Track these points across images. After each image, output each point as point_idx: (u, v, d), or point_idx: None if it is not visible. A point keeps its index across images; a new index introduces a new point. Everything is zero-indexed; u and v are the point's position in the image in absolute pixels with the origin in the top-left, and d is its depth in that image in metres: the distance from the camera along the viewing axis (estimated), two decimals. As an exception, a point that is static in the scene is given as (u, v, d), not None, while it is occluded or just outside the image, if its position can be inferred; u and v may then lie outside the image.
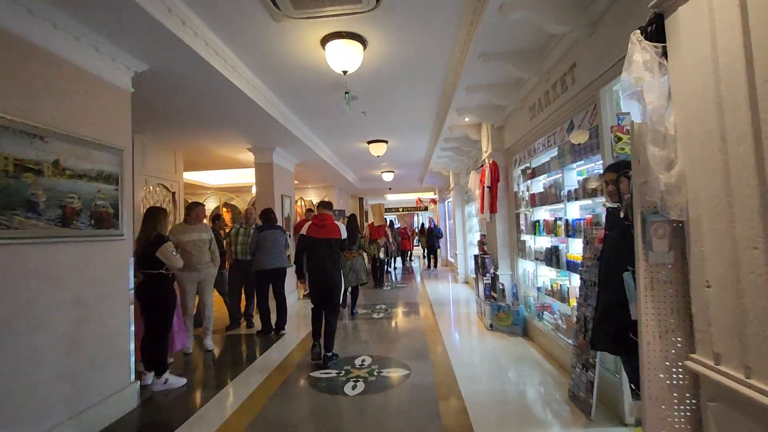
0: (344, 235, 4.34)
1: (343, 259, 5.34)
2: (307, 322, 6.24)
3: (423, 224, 18.52)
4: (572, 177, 3.70)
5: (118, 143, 3.25)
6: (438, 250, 13.43)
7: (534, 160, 4.52)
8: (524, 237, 4.97)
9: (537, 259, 4.49)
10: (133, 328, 3.34)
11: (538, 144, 4.24)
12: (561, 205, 3.88)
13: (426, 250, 13.36)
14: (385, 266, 10.87)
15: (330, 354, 4.13)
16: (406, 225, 14.21)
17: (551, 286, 4.06)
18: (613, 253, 2.05)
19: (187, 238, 4.74)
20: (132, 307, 3.34)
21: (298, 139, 6.67)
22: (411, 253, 15.65)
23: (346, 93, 4.72)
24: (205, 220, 5.14)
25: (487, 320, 5.20)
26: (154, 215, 3.88)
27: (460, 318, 6.18)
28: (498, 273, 5.29)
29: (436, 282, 10.16)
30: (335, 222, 4.35)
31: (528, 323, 4.75)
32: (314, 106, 5.64)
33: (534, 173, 4.53)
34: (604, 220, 2.60)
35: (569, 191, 3.58)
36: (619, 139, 2.72)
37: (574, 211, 3.66)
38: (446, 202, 13.85)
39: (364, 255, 7.08)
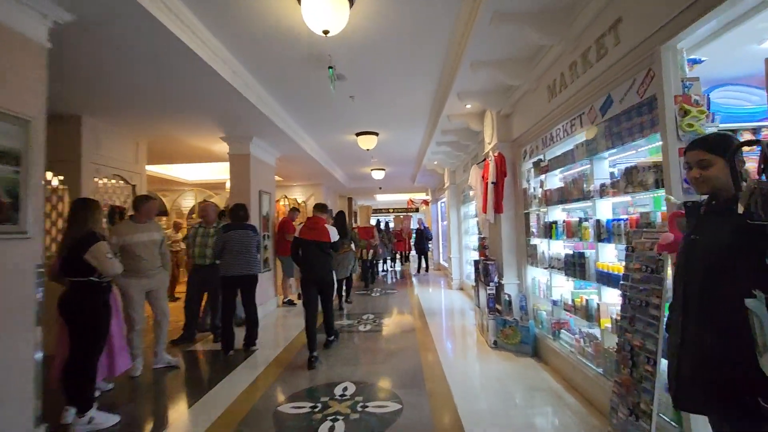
0: (334, 238, 4.57)
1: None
2: (285, 335, 5.51)
3: (379, 221, 17.87)
4: (603, 168, 3.02)
5: (22, 111, 2.46)
6: (428, 253, 12.69)
7: (550, 150, 3.85)
8: (535, 241, 4.30)
9: (552, 267, 3.81)
10: (40, 354, 2.55)
11: (557, 131, 3.56)
12: (587, 203, 3.20)
13: (416, 253, 12.62)
14: (375, 268, 10.19)
15: (331, 338, 4.86)
16: (402, 228, 13.33)
17: (573, 301, 3.37)
18: (716, 269, 1.36)
19: (136, 239, 3.96)
20: (39, 327, 2.55)
21: (279, 128, 5.92)
22: (408, 254, 14.80)
23: (330, 68, 3.99)
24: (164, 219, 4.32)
25: (491, 336, 4.50)
26: (84, 208, 3.09)
27: (458, 332, 5.48)
28: (503, 282, 4.60)
29: (428, 288, 9.46)
30: (326, 226, 4.60)
31: (540, 342, 4.06)
32: (294, 86, 4.88)
33: (548, 166, 3.86)
34: (668, 219, 1.92)
35: (602, 185, 2.90)
36: (686, 112, 2.04)
37: (605, 209, 2.99)
38: (439, 202, 13.18)
39: (353, 247, 7.35)
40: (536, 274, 4.39)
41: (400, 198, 21.44)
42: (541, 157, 4.06)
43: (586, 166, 3.23)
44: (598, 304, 2.93)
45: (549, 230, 3.79)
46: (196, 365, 4.44)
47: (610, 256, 2.96)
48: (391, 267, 13.90)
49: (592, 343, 3.10)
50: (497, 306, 4.62)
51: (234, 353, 4.59)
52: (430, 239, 12.23)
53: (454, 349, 4.68)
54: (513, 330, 4.31)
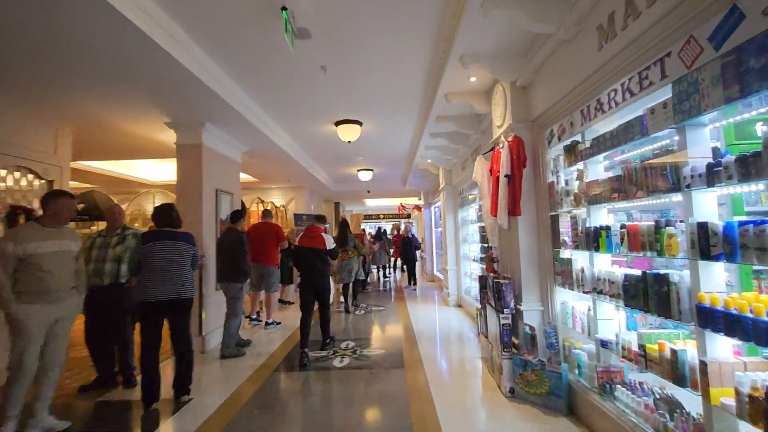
0: (330, 246, 4.88)
1: (338, 259, 6.67)
2: (242, 369, 4.25)
3: (379, 228, 16.69)
4: (702, 139, 1.90)
5: None
6: (416, 264, 11.17)
7: (592, 126, 2.73)
8: (568, 253, 3.16)
9: (599, 292, 2.67)
10: None
11: (611, 94, 2.44)
12: (668, 198, 2.08)
13: (402, 263, 11.27)
14: (363, 279, 8.98)
15: (327, 341, 5.08)
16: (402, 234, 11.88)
17: (642, 347, 2.22)
18: None
19: (42, 248, 2.82)
20: None
21: (238, 112, 4.76)
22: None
23: (284, 9, 2.83)
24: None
25: (506, 381, 3.34)
26: None
27: (460, 368, 4.30)
28: (522, 307, 3.45)
29: (421, 304, 8.26)
30: (323, 234, 4.89)
31: (578, 396, 2.90)
32: (249, 56, 3.71)
33: (590, 150, 2.73)
34: None
35: (711, 166, 1.77)
36: None
37: (704, 206, 1.86)
38: (433, 207, 12.05)
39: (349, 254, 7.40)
40: (567, 299, 3.24)
41: (391, 203, 20.33)
42: (577, 138, 2.94)
43: (665, 141, 2.11)
44: (703, 363, 1.78)
45: (595, 239, 2.65)
46: (96, 429, 3.19)
47: (716, 283, 1.83)
48: (390, 274, 12.98)
49: (686, 419, 1.95)
50: (514, 340, 3.46)
51: (158, 407, 3.35)
52: (419, 248, 10.97)
53: (456, 398, 3.49)
54: (538, 375, 3.14)
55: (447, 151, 6.94)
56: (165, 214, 3.53)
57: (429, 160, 8.15)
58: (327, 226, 5.36)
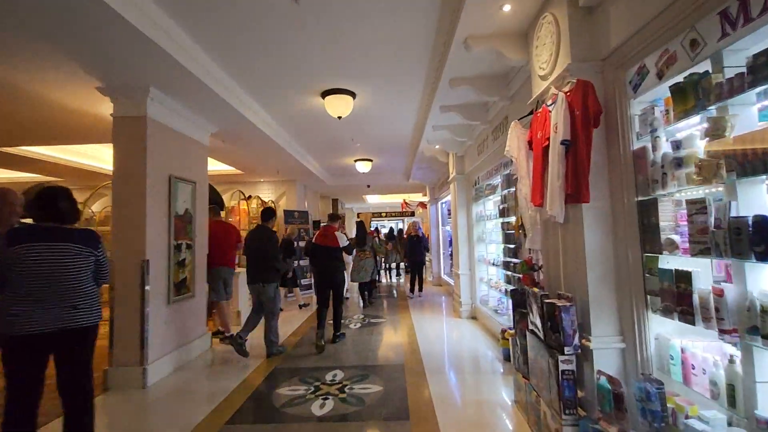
0: (342, 244, 5.22)
1: (356, 258, 7.34)
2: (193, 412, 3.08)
3: (392, 228, 15.47)
4: None
5: None
6: (424, 268, 9.48)
7: (743, 38, 1.52)
8: (677, 262, 1.95)
9: (759, 333, 1.46)
10: None
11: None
12: None
13: (408, 267, 9.40)
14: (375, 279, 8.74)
15: (338, 333, 5.28)
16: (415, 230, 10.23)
17: None
18: None
19: None
20: None
21: (190, 73, 3.61)
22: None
23: None
24: None
25: (569, 460, 2.13)
26: None
27: (489, 421, 3.08)
28: (590, 344, 2.23)
29: (427, 315, 7.06)
30: (336, 233, 5.21)
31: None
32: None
33: (742, 81, 1.52)
34: None
35: None
36: None
37: None
38: (440, 203, 10.84)
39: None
40: (668, 332, 2.03)
41: (393, 201, 19.13)
42: (703, 68, 1.73)
43: None
44: None
45: (757, 239, 1.44)
46: None
47: None
48: (400, 274, 12.47)
49: None
50: (579, 392, 2.25)
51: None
52: (428, 249, 9.54)
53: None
54: (626, 459, 1.93)
55: (460, 131, 5.73)
56: (46, 202, 2.34)
57: (437, 146, 6.94)
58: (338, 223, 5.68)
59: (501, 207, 4.91)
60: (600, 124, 2.23)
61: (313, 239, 5.33)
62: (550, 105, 2.56)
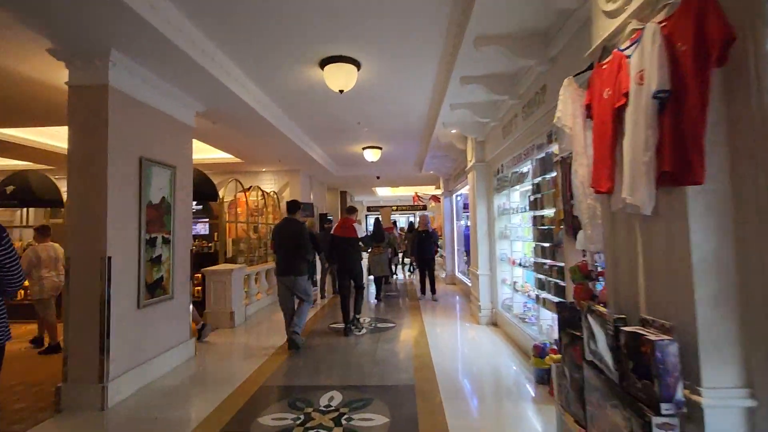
0: (360, 235, 5.80)
1: (371, 253, 7.57)
2: None
3: (411, 222, 14.70)
4: None
5: None
6: (435, 265, 8.46)
7: None
8: None
9: None
10: None
11: None
12: None
13: (416, 264, 8.41)
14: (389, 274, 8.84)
15: (357, 315, 5.59)
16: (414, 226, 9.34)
17: None
18: None
19: None
20: None
21: (169, 41, 2.97)
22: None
23: None
24: None
25: None
26: None
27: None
28: (701, 400, 1.46)
29: (441, 320, 6.33)
30: (353, 225, 5.61)
31: None
32: None
33: None
34: None
35: None
36: None
37: None
38: (455, 195, 10.05)
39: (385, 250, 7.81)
40: None
41: (405, 194, 18.38)
42: None
43: None
44: None
45: None
46: None
47: None
48: (414, 269, 11.68)
49: None
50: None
51: None
52: (438, 245, 8.51)
53: None
54: None
55: (482, 109, 4.95)
56: None
57: (454, 130, 6.16)
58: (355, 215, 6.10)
59: (532, 198, 4.13)
60: (726, 62, 1.44)
61: (333, 232, 5.65)
62: (629, 48, 1.79)
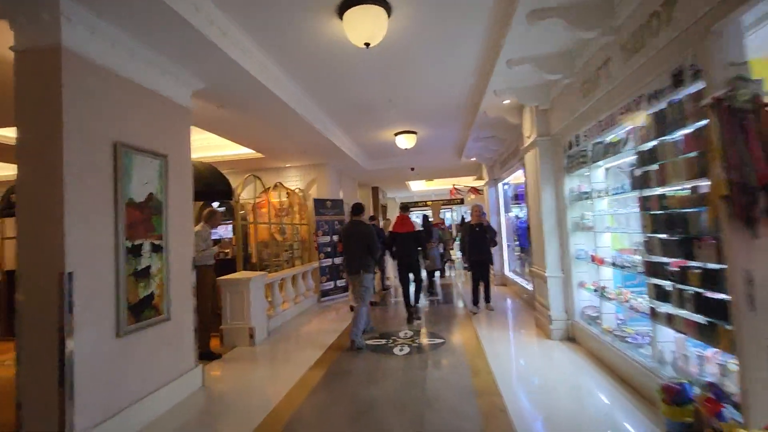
0: (419, 228, 6.67)
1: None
2: None
3: (463, 217, 13.49)
4: None
5: None
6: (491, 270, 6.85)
7: None
8: None
9: None
10: None
11: None
12: None
13: (470, 265, 6.28)
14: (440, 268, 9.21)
15: (415, 304, 5.91)
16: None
17: None
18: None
19: None
20: None
21: None
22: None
23: None
24: None
25: None
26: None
27: None
28: None
29: (499, 332, 5.20)
30: (411, 221, 6.10)
31: None
32: None
33: None
34: None
35: None
36: None
37: None
38: (501, 184, 8.80)
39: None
40: None
41: (440, 188, 17.18)
42: None
43: None
44: None
45: None
46: None
47: None
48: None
49: None
50: None
51: None
52: (496, 243, 6.45)
53: None
54: None
55: (553, 62, 3.79)
56: None
57: (507, 101, 5.01)
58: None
59: (638, 172, 2.94)
60: None
61: (392, 229, 6.03)
62: None
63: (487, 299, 6.26)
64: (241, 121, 5.26)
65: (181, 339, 3.52)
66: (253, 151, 7.55)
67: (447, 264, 11.00)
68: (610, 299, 3.76)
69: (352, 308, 6.27)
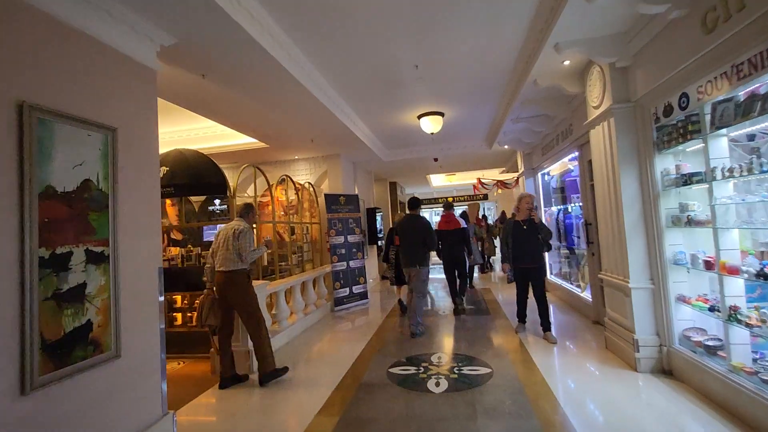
0: (464, 225, 6.13)
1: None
2: None
3: (503, 212, 12.33)
4: None
5: None
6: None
7: None
8: None
9: None
10: None
11: None
12: None
13: (516, 275, 4.71)
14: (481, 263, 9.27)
15: (462, 296, 6.16)
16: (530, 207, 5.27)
17: None
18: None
19: None
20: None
21: None
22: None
23: None
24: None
25: None
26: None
27: None
28: None
29: (563, 363, 4.09)
30: (456, 218, 6.13)
31: None
32: None
33: None
34: None
35: None
36: None
37: None
38: (540, 174, 7.62)
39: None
40: None
41: (462, 183, 16.00)
42: None
43: None
44: None
45: None
46: None
47: None
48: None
49: None
50: None
51: None
52: (549, 246, 4.81)
53: None
54: None
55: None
56: None
57: (566, 61, 3.90)
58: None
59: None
60: None
61: (437, 227, 5.98)
62: None
63: (547, 325, 4.50)
64: (231, 97, 4.29)
65: (141, 381, 2.55)
66: (256, 141, 6.61)
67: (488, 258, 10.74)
68: (735, 322, 2.62)
69: (400, 302, 6.39)
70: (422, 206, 5.80)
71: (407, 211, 5.25)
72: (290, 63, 3.71)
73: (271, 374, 3.70)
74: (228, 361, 3.74)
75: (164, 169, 4.50)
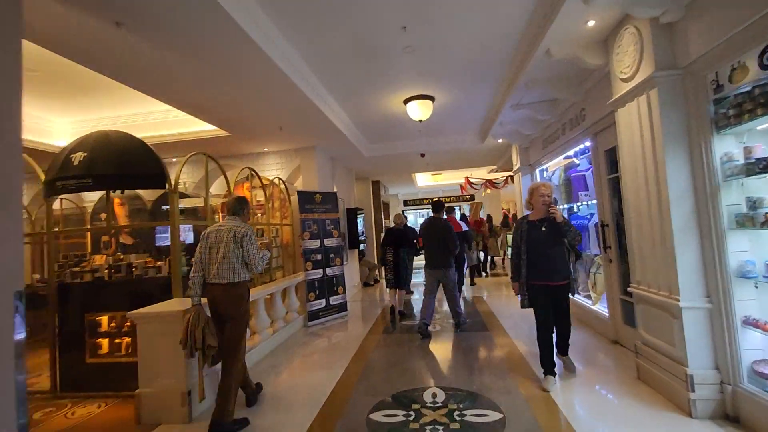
0: (465, 228, 6.52)
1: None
2: None
3: (506, 212, 11.66)
4: None
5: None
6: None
7: None
8: None
9: None
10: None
11: None
12: None
13: (533, 295, 3.36)
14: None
15: (458, 310, 5.30)
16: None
17: None
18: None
19: None
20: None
21: None
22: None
23: None
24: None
25: None
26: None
27: None
28: None
29: (589, 400, 3.28)
30: (457, 221, 6.52)
31: None
32: None
33: None
34: None
35: None
36: None
37: None
38: (539, 171, 6.87)
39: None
40: None
41: (448, 183, 15.27)
42: None
43: None
44: None
45: None
46: None
47: None
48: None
49: None
50: None
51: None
52: (578, 253, 4.33)
53: None
54: None
55: None
56: None
57: (591, 21, 3.11)
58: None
59: None
60: None
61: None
62: None
63: (564, 347, 3.55)
64: (160, 59, 3.32)
65: None
66: (214, 127, 5.64)
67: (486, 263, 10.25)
68: None
69: (393, 309, 6.08)
70: (420, 206, 5.15)
71: (431, 214, 5.36)
72: (248, 21, 2.80)
73: (226, 427, 2.78)
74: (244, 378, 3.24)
75: (81, 154, 3.50)
